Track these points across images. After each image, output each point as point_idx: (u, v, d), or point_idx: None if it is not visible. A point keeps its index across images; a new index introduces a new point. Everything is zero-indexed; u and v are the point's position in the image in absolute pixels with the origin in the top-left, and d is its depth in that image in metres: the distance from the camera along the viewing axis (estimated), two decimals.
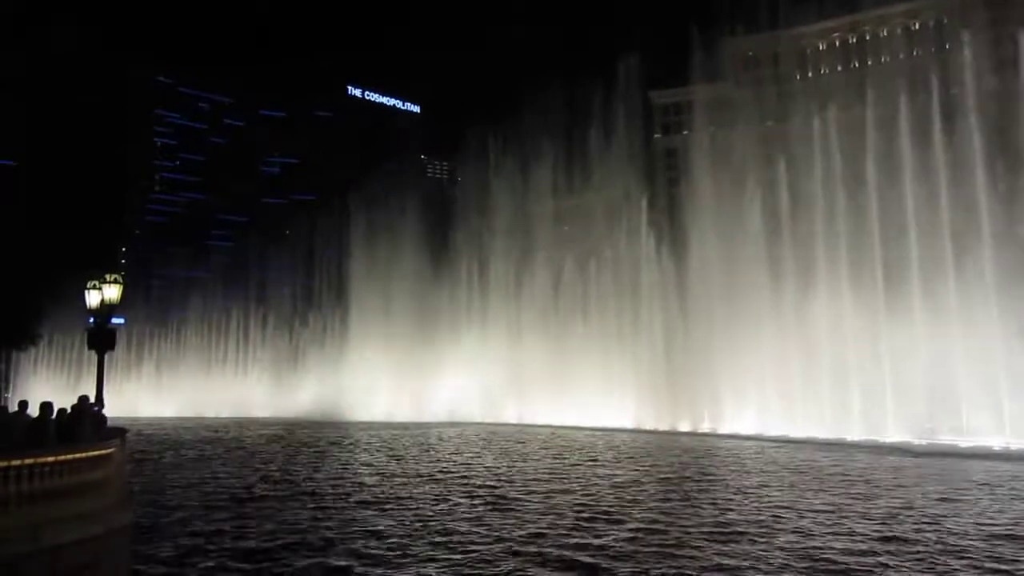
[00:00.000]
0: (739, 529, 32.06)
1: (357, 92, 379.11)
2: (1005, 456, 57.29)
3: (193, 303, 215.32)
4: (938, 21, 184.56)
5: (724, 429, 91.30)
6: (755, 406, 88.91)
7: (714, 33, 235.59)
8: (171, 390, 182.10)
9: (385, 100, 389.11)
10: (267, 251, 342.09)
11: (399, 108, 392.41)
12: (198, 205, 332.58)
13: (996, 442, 63.03)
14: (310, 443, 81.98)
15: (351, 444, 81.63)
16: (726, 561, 26.35)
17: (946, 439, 67.65)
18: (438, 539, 31.47)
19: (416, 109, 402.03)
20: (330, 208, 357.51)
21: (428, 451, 71.56)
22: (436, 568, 26.63)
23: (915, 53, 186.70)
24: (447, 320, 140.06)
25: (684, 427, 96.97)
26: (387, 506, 39.86)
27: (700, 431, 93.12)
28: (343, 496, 43.94)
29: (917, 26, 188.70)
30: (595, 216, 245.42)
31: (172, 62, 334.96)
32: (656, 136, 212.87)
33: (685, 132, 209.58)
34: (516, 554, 27.93)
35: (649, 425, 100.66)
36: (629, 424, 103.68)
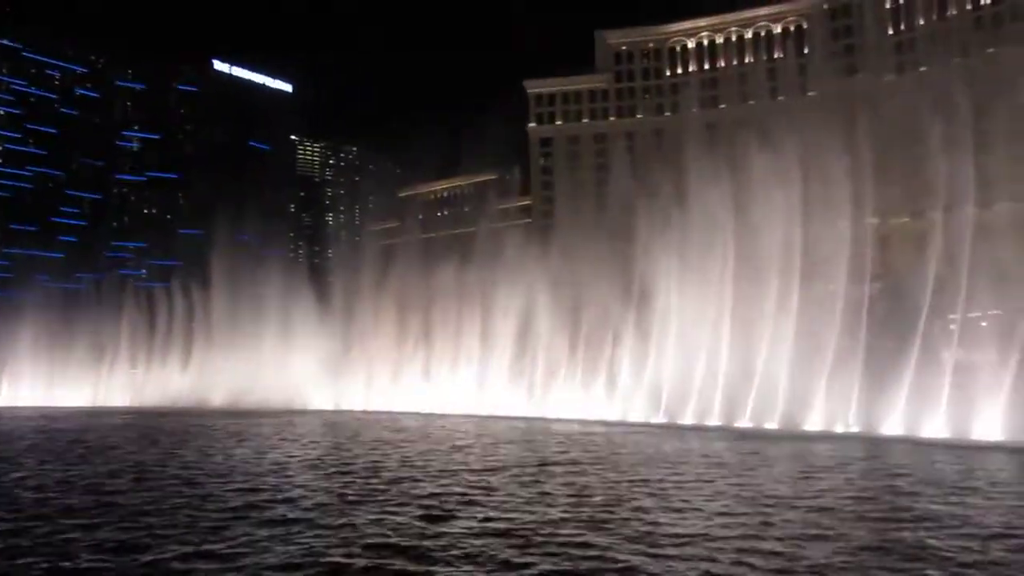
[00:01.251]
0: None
1: (224, 67, 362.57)
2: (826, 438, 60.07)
3: (38, 283, 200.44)
4: (797, 27, 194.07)
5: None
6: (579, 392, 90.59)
7: (590, 26, 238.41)
8: (14, 377, 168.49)
9: (255, 76, 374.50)
10: (122, 230, 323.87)
11: (269, 86, 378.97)
12: (45, 180, 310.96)
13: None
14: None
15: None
16: None
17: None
18: None
19: (288, 88, 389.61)
20: (193, 187, 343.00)
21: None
22: None
23: (775, 56, 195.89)
24: (312, 307, 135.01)
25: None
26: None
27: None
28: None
29: (779, 29, 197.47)
30: (468, 200, 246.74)
31: (18, 24, 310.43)
32: (531, 125, 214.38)
33: (559, 122, 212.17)
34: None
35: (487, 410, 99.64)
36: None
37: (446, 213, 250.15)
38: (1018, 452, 47.93)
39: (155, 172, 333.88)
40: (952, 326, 65.62)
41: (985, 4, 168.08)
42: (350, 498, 33.46)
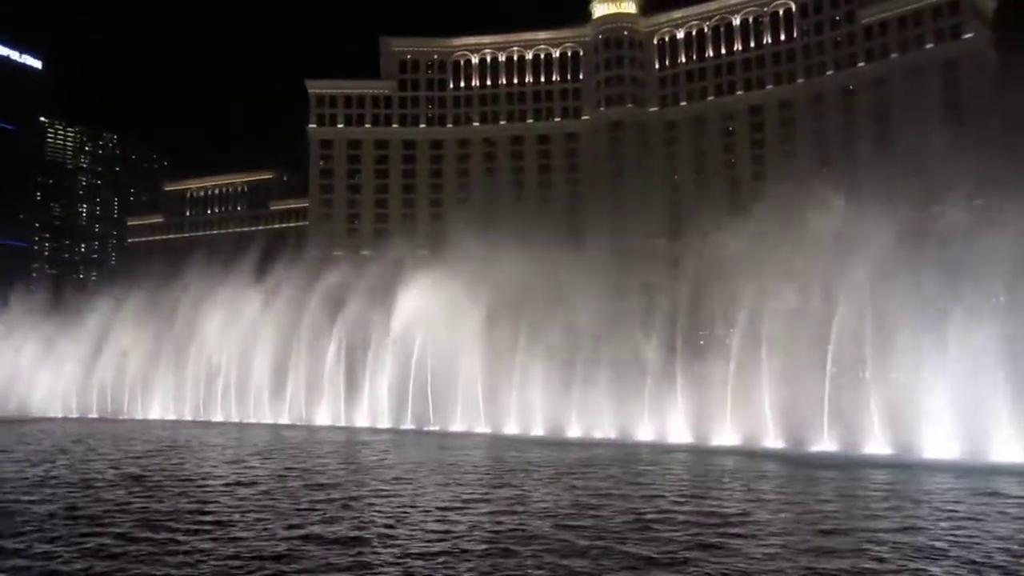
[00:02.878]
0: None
1: None
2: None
3: None
4: (578, 55, 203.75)
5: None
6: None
7: (376, 31, 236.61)
8: None
9: None
10: None
11: (15, 59, 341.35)
12: None
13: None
14: None
15: None
16: None
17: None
18: None
19: (37, 64, 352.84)
20: None
21: None
22: None
23: (553, 78, 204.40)
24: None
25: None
26: None
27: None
28: None
29: (557, 54, 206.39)
30: (240, 199, 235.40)
31: None
32: (311, 126, 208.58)
33: (339, 125, 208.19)
34: None
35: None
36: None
37: (217, 211, 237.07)
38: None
39: None
40: (702, 342, 71.39)
41: (738, 49, 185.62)
42: None
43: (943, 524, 26.50)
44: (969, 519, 27.67)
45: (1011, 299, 49.51)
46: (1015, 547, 22.63)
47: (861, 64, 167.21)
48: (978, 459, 45.94)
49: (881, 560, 21.15)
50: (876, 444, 52.31)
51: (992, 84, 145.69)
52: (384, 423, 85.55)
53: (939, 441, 48.83)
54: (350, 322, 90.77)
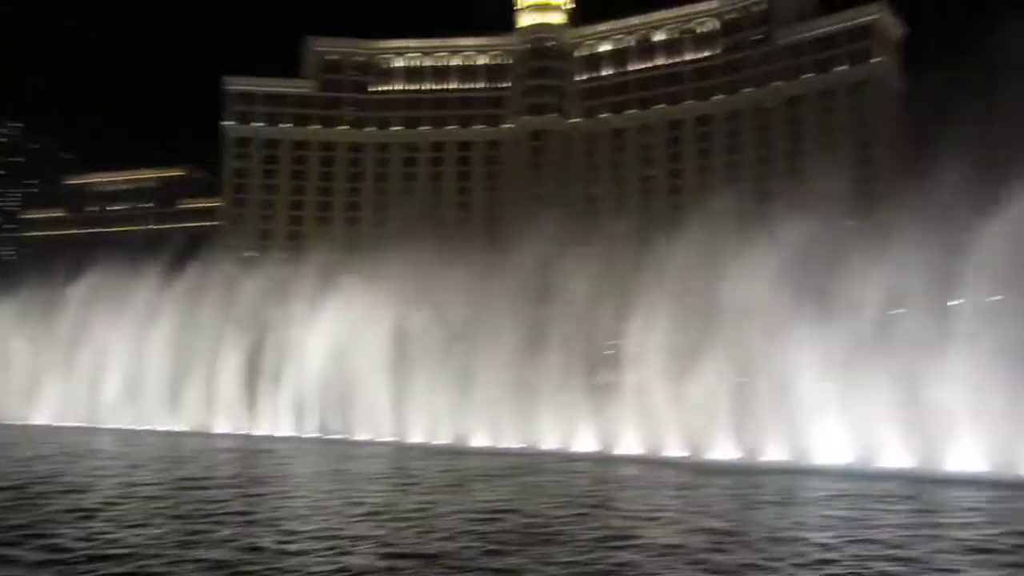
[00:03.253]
0: None
1: None
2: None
3: None
4: (503, 63, 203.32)
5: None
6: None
7: (300, 31, 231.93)
8: None
9: None
10: None
11: None
12: None
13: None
14: None
15: None
16: None
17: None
18: None
19: None
20: None
21: None
22: None
23: (478, 85, 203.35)
24: None
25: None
26: None
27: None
28: None
29: (482, 61, 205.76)
30: (148, 196, 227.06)
31: None
32: (228, 123, 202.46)
33: (258, 123, 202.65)
34: None
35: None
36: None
37: (123, 207, 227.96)
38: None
39: None
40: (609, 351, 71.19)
41: (660, 64, 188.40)
42: None
43: (824, 531, 26.03)
44: (851, 521, 27.49)
45: (886, 317, 50.49)
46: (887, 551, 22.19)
47: (777, 83, 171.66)
48: (867, 465, 46.62)
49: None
50: (775, 451, 52.59)
51: (896, 107, 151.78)
52: (286, 431, 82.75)
53: (831, 448, 49.40)
54: (254, 326, 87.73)
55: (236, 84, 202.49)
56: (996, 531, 25.61)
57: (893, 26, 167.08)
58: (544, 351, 68.29)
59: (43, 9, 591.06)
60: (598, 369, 67.98)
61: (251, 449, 63.74)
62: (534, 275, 72.99)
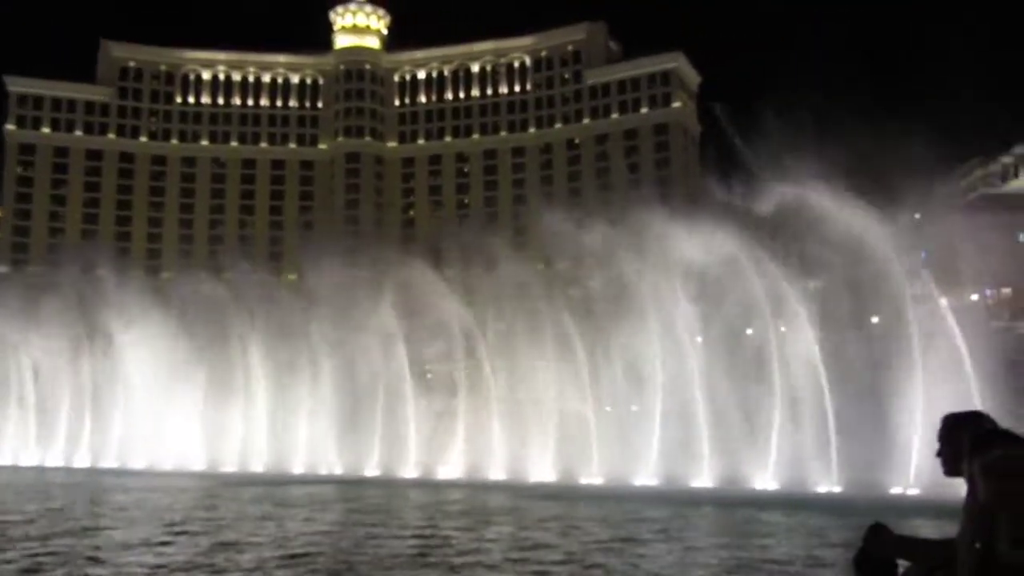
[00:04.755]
0: None
1: None
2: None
3: None
4: (314, 80, 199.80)
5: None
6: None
7: (96, 34, 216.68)
8: None
9: None
10: None
11: None
12: None
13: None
14: None
15: None
16: None
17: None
18: None
19: None
20: None
21: None
22: None
23: (291, 104, 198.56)
24: None
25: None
26: None
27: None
28: None
29: (296, 79, 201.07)
30: None
31: None
32: (9, 127, 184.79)
33: (45, 129, 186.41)
34: None
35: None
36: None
37: None
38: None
39: None
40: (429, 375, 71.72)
41: (475, 95, 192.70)
42: None
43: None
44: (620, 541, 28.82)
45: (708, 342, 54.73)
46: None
47: (586, 120, 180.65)
48: (678, 485, 49.72)
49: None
50: (591, 474, 55.03)
51: (692, 148, 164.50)
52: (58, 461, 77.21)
53: (647, 471, 52.42)
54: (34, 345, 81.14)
55: (20, 85, 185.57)
56: None
57: (691, 74, 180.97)
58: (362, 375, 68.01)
59: None
60: (421, 393, 68.44)
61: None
62: (344, 298, 72.34)
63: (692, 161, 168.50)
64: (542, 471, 56.37)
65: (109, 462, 75.04)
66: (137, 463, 73.03)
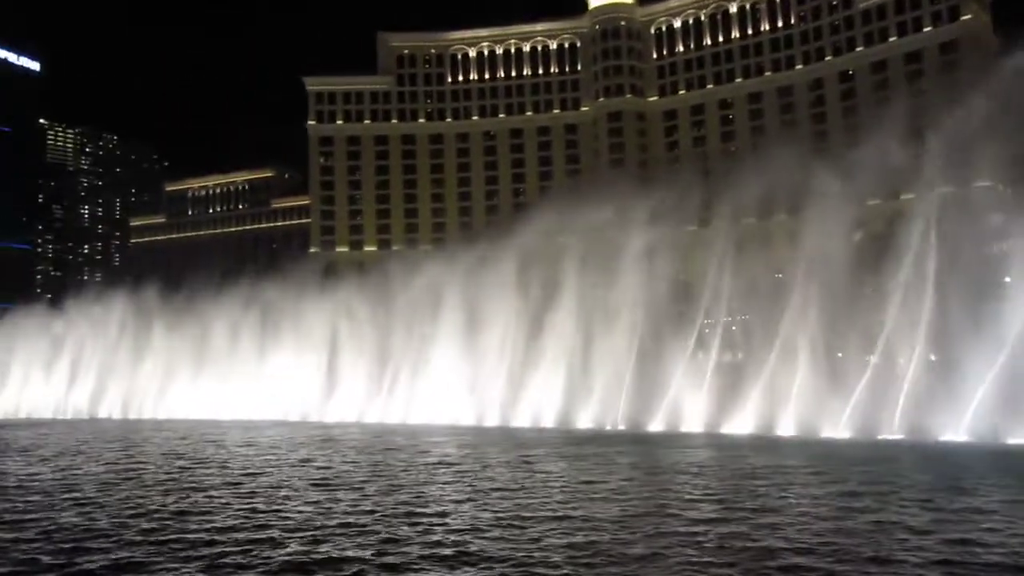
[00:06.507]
0: None
1: None
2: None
3: None
4: (572, 44, 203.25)
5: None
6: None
7: (373, 27, 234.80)
8: None
9: None
10: None
11: (13, 62, 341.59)
12: None
13: None
14: None
15: None
16: None
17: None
18: None
19: (35, 66, 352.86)
20: None
21: None
22: None
23: (551, 70, 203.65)
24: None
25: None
26: None
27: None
28: None
29: (554, 45, 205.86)
30: (241, 197, 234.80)
31: None
32: (311, 123, 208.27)
33: (339, 121, 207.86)
34: None
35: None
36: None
37: (218, 210, 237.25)
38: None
39: None
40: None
41: (736, 37, 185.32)
42: None
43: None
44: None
45: None
46: None
47: (860, 48, 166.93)
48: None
49: None
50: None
51: (991, 65, 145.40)
52: None
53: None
54: None
55: (315, 84, 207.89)
56: None
57: None
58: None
59: (128, 28, 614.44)
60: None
61: None
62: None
63: (991, 79, 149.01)
64: (834, 426, 54.90)
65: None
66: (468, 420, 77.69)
